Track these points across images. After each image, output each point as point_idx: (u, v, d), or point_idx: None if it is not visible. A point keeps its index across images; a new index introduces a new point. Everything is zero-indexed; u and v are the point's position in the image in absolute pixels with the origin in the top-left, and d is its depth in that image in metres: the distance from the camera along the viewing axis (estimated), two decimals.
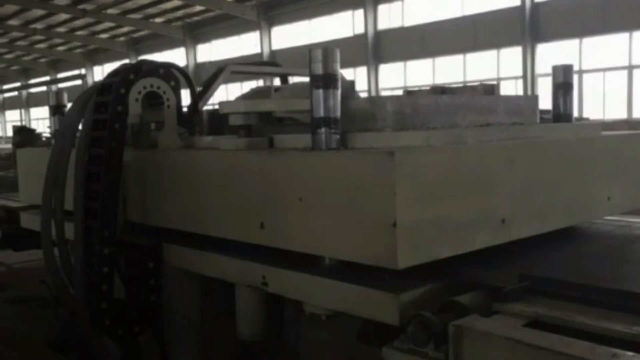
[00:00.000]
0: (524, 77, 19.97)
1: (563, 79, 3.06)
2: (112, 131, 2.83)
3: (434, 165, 2.04)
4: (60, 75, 35.55)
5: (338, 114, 2.20)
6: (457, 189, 2.11)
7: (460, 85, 4.20)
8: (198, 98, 3.22)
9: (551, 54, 19.31)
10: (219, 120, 3.15)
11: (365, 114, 2.42)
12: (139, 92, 2.92)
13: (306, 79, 2.37)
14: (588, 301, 1.79)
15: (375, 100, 2.45)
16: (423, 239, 1.99)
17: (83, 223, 2.89)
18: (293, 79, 3.93)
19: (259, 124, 2.77)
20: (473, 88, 3.08)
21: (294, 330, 2.73)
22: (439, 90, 2.81)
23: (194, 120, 3.14)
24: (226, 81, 3.38)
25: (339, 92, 2.20)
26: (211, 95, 3.32)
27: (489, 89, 3.02)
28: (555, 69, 3.09)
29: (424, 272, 2.07)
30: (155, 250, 2.89)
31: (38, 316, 4.46)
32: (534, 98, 2.94)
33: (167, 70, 3.04)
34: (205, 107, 3.43)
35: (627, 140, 3.02)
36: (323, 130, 2.19)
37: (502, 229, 2.25)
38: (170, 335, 3.02)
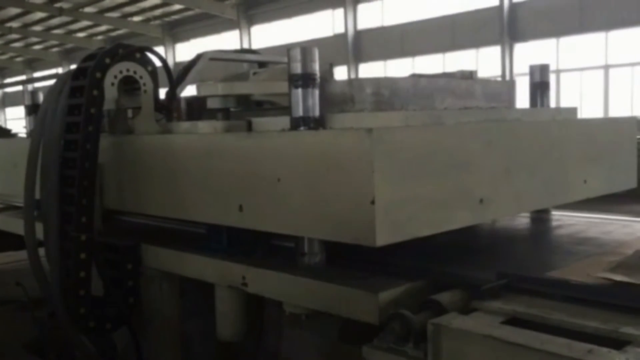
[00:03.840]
0: (502, 76, 20.18)
1: (540, 78, 3.10)
2: (88, 116, 2.78)
3: (412, 144, 2.04)
4: (37, 74, 35.06)
5: (317, 113, 2.20)
6: (436, 168, 2.11)
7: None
8: (176, 84, 3.18)
9: (529, 53, 19.54)
10: (197, 107, 3.12)
11: (344, 97, 2.41)
12: (115, 77, 2.88)
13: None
14: (565, 298, 1.80)
15: (354, 82, 2.45)
16: (401, 217, 1.99)
17: (59, 210, 2.84)
18: None
19: (237, 107, 2.75)
20: (451, 74, 3.09)
21: (274, 330, 2.72)
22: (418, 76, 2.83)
23: (171, 107, 3.11)
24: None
25: (318, 91, 2.20)
26: (189, 82, 3.28)
27: (467, 75, 3.04)
28: (533, 68, 3.12)
29: (403, 270, 2.08)
30: (134, 251, 2.85)
31: (14, 318, 4.39)
32: (511, 83, 2.97)
33: (144, 55, 3.01)
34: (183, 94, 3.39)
35: (603, 124, 3.06)
36: (302, 129, 2.18)
37: (480, 208, 2.26)
38: (148, 335, 2.99)
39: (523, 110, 2.84)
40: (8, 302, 4.75)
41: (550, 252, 2.50)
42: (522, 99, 3.18)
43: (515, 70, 20.09)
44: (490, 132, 2.33)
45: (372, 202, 1.90)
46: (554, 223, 3.01)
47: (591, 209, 3.14)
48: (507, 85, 2.91)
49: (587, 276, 1.92)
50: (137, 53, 2.97)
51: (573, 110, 3.07)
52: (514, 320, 1.71)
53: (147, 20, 28.75)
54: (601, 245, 2.47)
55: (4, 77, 40.27)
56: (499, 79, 20.19)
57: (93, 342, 2.99)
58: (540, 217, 3.06)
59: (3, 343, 3.91)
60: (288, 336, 2.52)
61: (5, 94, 40.93)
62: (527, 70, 3.16)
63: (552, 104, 3.19)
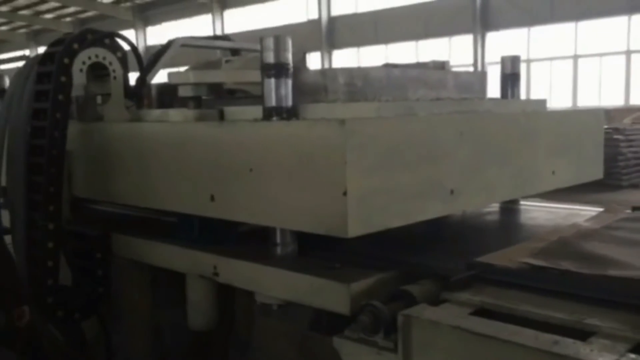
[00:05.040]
0: (474, 65, 20.34)
1: (511, 70, 3.12)
2: (56, 102, 2.72)
3: (384, 135, 2.05)
4: (3, 56, 34.16)
5: (290, 103, 2.19)
6: (408, 160, 2.12)
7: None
8: (146, 70, 3.13)
9: (501, 42, 19.72)
10: (168, 95, 3.08)
11: (316, 86, 2.40)
12: (84, 63, 2.82)
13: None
14: (531, 288, 1.83)
15: (327, 72, 2.44)
16: (373, 208, 2.00)
17: (26, 198, 2.78)
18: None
19: (209, 96, 2.72)
20: (424, 64, 3.11)
21: (245, 320, 2.72)
22: (391, 66, 2.83)
23: (141, 93, 3.06)
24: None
25: (290, 81, 2.18)
26: (160, 68, 3.23)
27: (440, 65, 3.05)
28: (504, 59, 3.15)
29: (374, 261, 2.09)
30: (103, 240, 2.82)
31: None
32: (483, 74, 2.99)
33: (114, 41, 2.95)
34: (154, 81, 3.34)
35: (571, 116, 3.11)
36: (275, 120, 2.16)
37: (451, 199, 2.28)
38: (119, 325, 2.96)
39: (494, 102, 2.87)
40: None
41: (521, 242, 2.53)
42: (494, 88, 3.21)
43: (487, 59, 20.27)
44: (462, 124, 2.35)
45: (344, 194, 1.90)
46: (524, 213, 3.05)
47: (561, 199, 3.20)
48: (478, 76, 2.93)
49: (509, 261, 1.97)
50: (106, 39, 2.91)
51: (542, 102, 3.11)
52: (482, 311, 1.74)
53: (118, 2, 28.19)
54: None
55: None
56: (471, 67, 20.36)
57: (61, 332, 2.95)
58: (510, 208, 3.11)
59: None
60: (259, 326, 2.52)
61: None
62: (498, 59, 3.19)
63: (523, 94, 3.23)
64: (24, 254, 2.79)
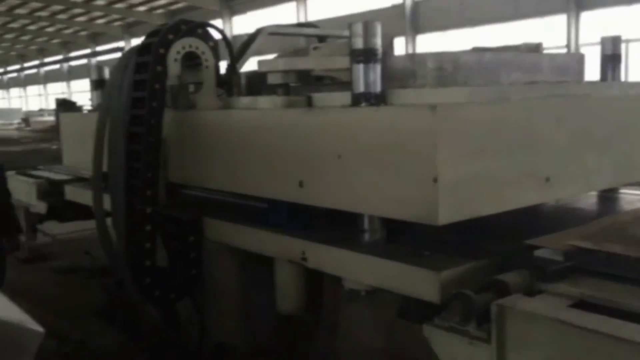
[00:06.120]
0: (568, 46, 19.39)
1: (612, 51, 2.96)
2: (152, 91, 2.85)
3: (477, 121, 1.99)
4: (100, 48, 36.00)
5: (378, 89, 2.17)
6: (500, 146, 2.06)
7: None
8: (236, 59, 3.21)
9: (596, 22, 18.67)
10: (258, 82, 3.14)
11: (405, 72, 2.37)
12: (178, 52, 2.93)
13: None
14: (632, 280, 1.73)
15: (416, 57, 2.40)
16: (464, 195, 1.96)
17: (125, 183, 2.93)
18: None
19: (298, 83, 2.75)
20: (516, 47, 2.99)
21: (333, 306, 2.74)
22: (482, 50, 2.75)
23: (232, 82, 3.14)
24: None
25: (379, 66, 2.16)
26: (249, 56, 3.30)
27: (533, 48, 2.93)
28: (604, 40, 2.98)
29: (465, 249, 2.05)
30: (196, 224, 2.91)
31: (83, 286, 4.59)
32: (580, 56, 2.84)
33: (206, 31, 3.04)
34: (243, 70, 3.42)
35: None
36: (363, 106, 2.15)
37: (546, 187, 2.19)
38: (210, 306, 3.06)
39: (593, 85, 2.73)
40: (78, 269, 4.99)
41: None
42: (590, 72, 3.04)
43: (581, 41, 19.26)
44: (558, 108, 2.25)
45: (435, 181, 1.87)
46: (624, 203, 2.89)
47: None
48: (576, 58, 2.79)
49: (558, 244, 1.91)
50: (199, 29, 3.00)
51: None
52: (582, 304, 1.66)
53: None
54: None
55: (69, 50, 41.54)
56: (564, 49, 19.41)
57: (158, 312, 3.10)
58: (609, 196, 2.95)
59: (74, 309, 4.12)
60: (347, 312, 2.53)
61: (70, 67, 42.26)
62: (592, 40, 3.02)
63: (622, 77, 3.05)
64: (123, 236, 2.95)
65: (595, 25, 18.04)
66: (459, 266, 1.93)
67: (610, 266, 1.82)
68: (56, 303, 4.27)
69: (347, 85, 2.26)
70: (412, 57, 2.42)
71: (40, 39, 40.82)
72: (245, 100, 2.90)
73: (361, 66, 2.16)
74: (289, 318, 2.71)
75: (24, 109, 34.30)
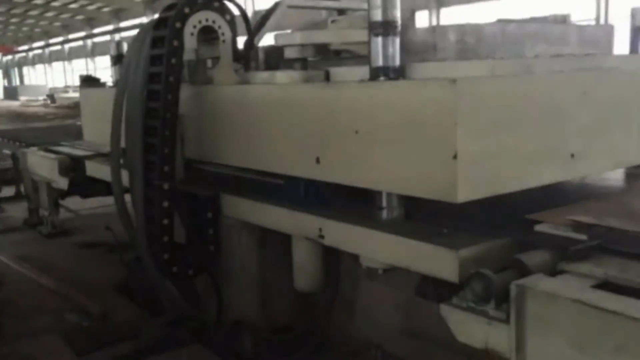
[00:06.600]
0: (597, 20, 18.88)
1: None
2: (169, 66, 2.81)
3: (498, 95, 1.92)
4: (123, 24, 36.09)
5: (397, 62, 2.10)
6: (523, 121, 1.99)
7: None
8: (254, 33, 3.15)
9: None
10: (276, 57, 3.09)
11: (425, 45, 2.30)
12: (194, 27, 2.88)
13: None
14: None
15: (437, 29, 2.33)
16: (485, 172, 1.90)
17: (143, 158, 2.92)
18: None
19: (316, 57, 2.69)
20: (543, 19, 2.89)
21: (351, 283, 2.71)
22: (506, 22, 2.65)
23: (249, 56, 3.09)
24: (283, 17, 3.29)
25: (398, 39, 2.09)
26: (267, 30, 3.24)
27: (561, 19, 2.82)
28: (635, 11, 2.86)
29: (485, 228, 1.99)
30: (214, 201, 2.90)
31: (104, 261, 4.64)
32: (609, 28, 2.73)
33: (222, 4, 2.98)
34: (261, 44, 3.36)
35: None
36: (382, 80, 2.09)
37: (572, 164, 2.12)
38: (228, 283, 3.06)
39: (622, 58, 2.63)
40: (99, 245, 5.04)
41: None
42: (620, 46, 2.93)
43: (612, 13, 18.72)
44: (585, 82, 2.17)
45: (454, 157, 1.82)
46: None
47: None
48: (605, 30, 2.68)
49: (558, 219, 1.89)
50: (215, 2, 2.95)
51: None
52: (605, 285, 1.60)
53: None
54: None
55: (93, 27, 41.73)
56: (593, 22, 18.91)
57: (177, 287, 3.11)
58: (638, 173, 2.86)
59: (95, 284, 4.16)
60: (364, 290, 2.51)
61: (94, 43, 42.50)
62: (621, 13, 2.91)
63: None
64: (141, 212, 2.95)
65: None
66: (478, 244, 1.89)
67: (637, 246, 1.76)
68: (77, 278, 4.31)
69: (365, 59, 2.20)
70: (433, 30, 2.35)
71: (64, 16, 41.04)
72: (262, 75, 2.85)
73: (380, 39, 2.09)
74: (306, 295, 2.70)
75: (50, 85, 34.67)
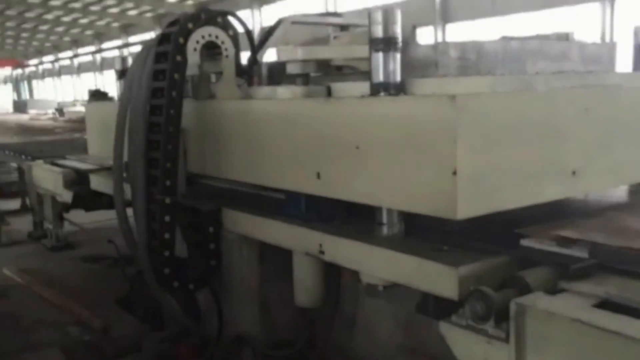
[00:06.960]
0: (602, 37, 18.89)
1: None
2: (172, 81, 2.83)
3: (498, 112, 1.92)
4: (132, 39, 36.40)
5: (398, 78, 2.11)
6: (524, 138, 1.98)
7: None
8: (257, 49, 3.17)
9: (631, 10, 18.14)
10: (279, 72, 3.10)
11: (426, 61, 2.30)
12: (197, 42, 2.90)
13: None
14: None
15: (438, 46, 2.33)
16: (485, 189, 1.89)
17: (145, 173, 2.92)
18: None
19: (317, 72, 2.70)
20: (545, 36, 2.89)
21: (351, 298, 2.70)
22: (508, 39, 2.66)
23: (252, 71, 3.10)
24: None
25: (399, 55, 2.10)
26: (271, 46, 3.26)
27: (563, 37, 2.83)
28: (637, 29, 2.86)
29: (485, 245, 1.99)
30: (215, 215, 2.90)
31: (107, 274, 4.64)
32: (612, 45, 2.73)
33: (226, 20, 3.00)
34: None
35: None
36: (382, 95, 2.09)
37: (573, 181, 2.11)
38: (229, 297, 3.05)
39: (624, 75, 2.62)
40: (102, 258, 5.04)
41: None
42: (624, 63, 2.92)
43: (617, 31, 18.74)
44: (587, 99, 2.16)
45: (454, 173, 1.81)
46: None
47: None
48: (607, 48, 2.68)
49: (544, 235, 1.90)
50: (219, 17, 2.97)
51: None
52: (606, 304, 1.58)
53: None
54: None
55: (102, 42, 42.12)
56: (598, 40, 18.93)
57: (178, 301, 3.10)
58: None
59: (97, 298, 4.16)
60: (365, 306, 2.49)
61: (103, 58, 42.84)
62: (628, 31, 2.91)
63: None
64: (143, 226, 2.95)
65: (631, 14, 17.51)
66: (477, 262, 1.87)
67: (638, 264, 1.74)
68: (80, 291, 4.31)
69: (367, 75, 2.21)
70: (435, 46, 2.36)
71: (74, 30, 41.45)
72: (264, 90, 2.86)
73: (380, 55, 2.10)
74: (306, 310, 2.68)
75: (59, 99, 34.93)
